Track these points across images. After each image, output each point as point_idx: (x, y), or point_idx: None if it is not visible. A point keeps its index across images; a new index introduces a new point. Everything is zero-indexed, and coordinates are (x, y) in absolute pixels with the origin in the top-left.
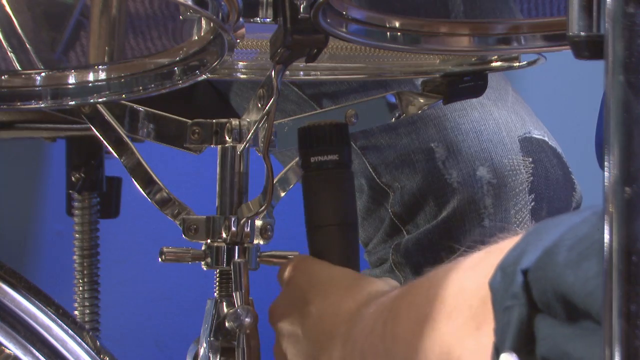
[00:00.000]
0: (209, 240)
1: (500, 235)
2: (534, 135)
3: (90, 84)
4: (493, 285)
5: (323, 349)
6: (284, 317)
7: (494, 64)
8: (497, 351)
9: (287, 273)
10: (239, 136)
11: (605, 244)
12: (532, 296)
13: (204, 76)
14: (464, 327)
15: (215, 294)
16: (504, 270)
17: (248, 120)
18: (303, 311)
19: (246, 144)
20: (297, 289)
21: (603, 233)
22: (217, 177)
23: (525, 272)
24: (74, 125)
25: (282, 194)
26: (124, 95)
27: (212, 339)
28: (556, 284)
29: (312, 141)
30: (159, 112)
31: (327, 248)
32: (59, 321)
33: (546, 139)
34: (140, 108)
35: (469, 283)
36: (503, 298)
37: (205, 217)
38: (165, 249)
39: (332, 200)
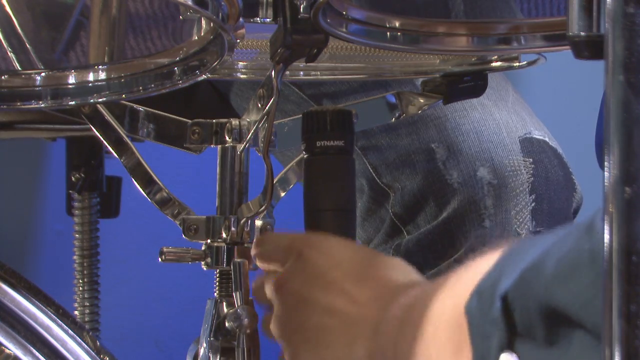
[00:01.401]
0: (209, 240)
1: (482, 250)
2: (535, 136)
3: (90, 84)
4: (469, 310)
5: (358, 334)
6: (301, 291)
7: (494, 64)
8: None
9: (293, 249)
10: (239, 136)
11: (605, 244)
12: (512, 320)
13: (204, 76)
14: (443, 350)
15: (215, 294)
16: (481, 294)
17: (248, 120)
18: (329, 289)
19: (246, 144)
20: (315, 265)
21: (593, 241)
22: (217, 177)
23: (504, 296)
24: (74, 126)
25: (282, 194)
26: (124, 95)
27: (212, 339)
28: (544, 298)
29: (320, 125)
30: (159, 112)
31: (324, 233)
32: (59, 321)
33: (547, 139)
34: (140, 108)
35: (449, 302)
36: (481, 324)
37: (205, 217)
38: (165, 249)
39: (333, 186)
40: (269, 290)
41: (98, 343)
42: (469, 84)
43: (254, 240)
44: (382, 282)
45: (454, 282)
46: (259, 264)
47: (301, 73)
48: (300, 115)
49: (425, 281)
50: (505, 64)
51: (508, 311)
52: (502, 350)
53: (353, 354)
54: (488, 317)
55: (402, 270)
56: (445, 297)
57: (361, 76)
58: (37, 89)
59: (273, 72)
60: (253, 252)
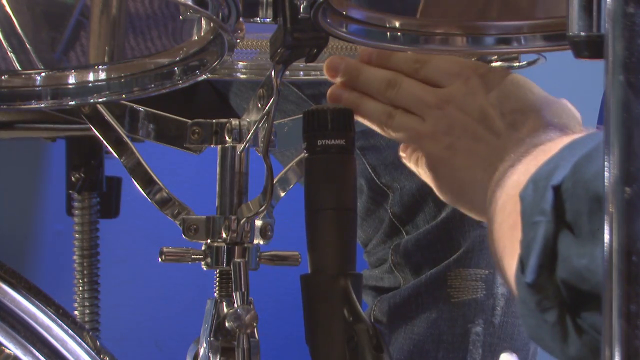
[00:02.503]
0: (209, 240)
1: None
2: None
3: (90, 84)
4: (523, 198)
5: (492, 162)
6: (457, 116)
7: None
8: (521, 263)
9: (461, 75)
10: (239, 136)
11: (605, 244)
12: (561, 211)
13: (204, 76)
14: (506, 219)
15: (215, 294)
16: (536, 183)
17: (248, 120)
18: (484, 121)
19: (246, 144)
20: (478, 95)
21: None
22: (217, 177)
23: (557, 188)
24: (74, 125)
25: (282, 194)
26: (124, 95)
27: (212, 339)
28: (593, 184)
29: (320, 124)
30: (159, 112)
31: (325, 232)
32: (59, 321)
33: None
34: (140, 108)
35: (522, 179)
36: (532, 212)
37: (205, 217)
38: (165, 249)
39: (334, 185)
40: (426, 100)
41: (98, 343)
42: None
43: (410, 56)
44: (531, 122)
45: (530, 160)
46: (411, 78)
47: (301, 73)
48: (300, 115)
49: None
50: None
51: (559, 201)
52: (547, 239)
53: (484, 179)
54: (538, 207)
55: (561, 115)
56: (520, 172)
57: None
58: (37, 89)
59: (273, 72)
60: (413, 66)
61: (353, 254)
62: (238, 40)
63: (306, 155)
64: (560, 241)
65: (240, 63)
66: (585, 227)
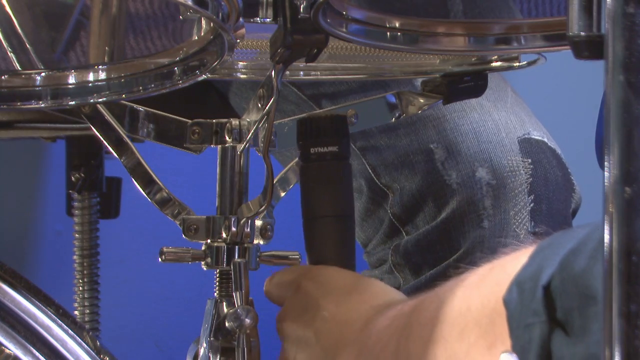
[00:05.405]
0: (209, 240)
1: (502, 251)
2: (533, 137)
3: (90, 84)
4: (508, 302)
5: (336, 355)
6: (294, 323)
7: (494, 64)
8: None
9: (294, 282)
10: (239, 136)
11: (605, 244)
12: (553, 311)
13: (204, 76)
14: (475, 347)
15: (215, 294)
16: (521, 285)
17: (248, 120)
18: (316, 317)
19: (246, 144)
20: (308, 296)
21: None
22: (217, 177)
23: (547, 285)
24: (74, 125)
25: (282, 194)
26: (124, 95)
27: (212, 339)
28: (581, 279)
29: (313, 132)
30: (159, 112)
31: (323, 239)
32: (59, 321)
33: (545, 140)
34: (140, 108)
35: (475, 301)
36: (522, 315)
37: (205, 217)
38: (165, 249)
39: (330, 192)
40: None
41: (98, 343)
42: (469, 84)
43: (267, 280)
44: (362, 303)
45: (477, 282)
46: (272, 300)
47: (301, 73)
48: (301, 115)
49: (405, 298)
50: (505, 64)
51: (550, 300)
52: (543, 340)
53: None
54: (530, 308)
55: (390, 293)
56: (470, 296)
57: (361, 76)
58: (37, 89)
59: (273, 72)
60: (266, 289)
61: (352, 260)
62: (238, 40)
63: (301, 163)
64: (553, 342)
65: (240, 63)
66: (577, 322)
